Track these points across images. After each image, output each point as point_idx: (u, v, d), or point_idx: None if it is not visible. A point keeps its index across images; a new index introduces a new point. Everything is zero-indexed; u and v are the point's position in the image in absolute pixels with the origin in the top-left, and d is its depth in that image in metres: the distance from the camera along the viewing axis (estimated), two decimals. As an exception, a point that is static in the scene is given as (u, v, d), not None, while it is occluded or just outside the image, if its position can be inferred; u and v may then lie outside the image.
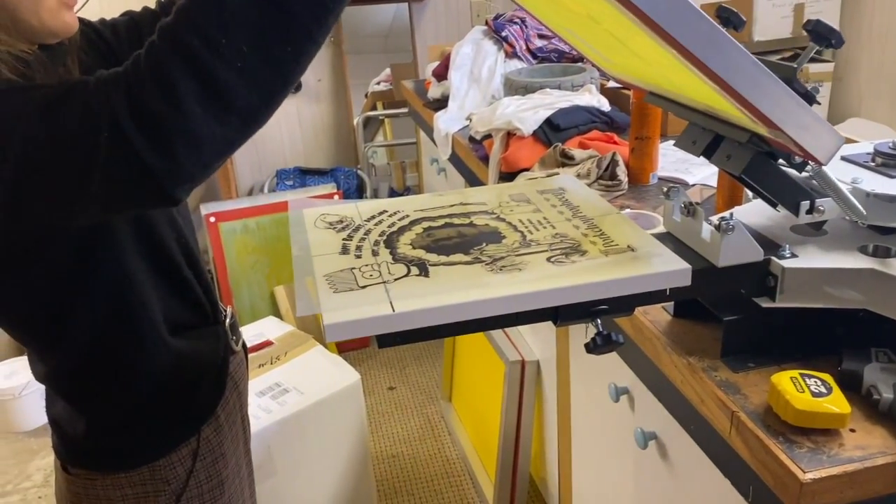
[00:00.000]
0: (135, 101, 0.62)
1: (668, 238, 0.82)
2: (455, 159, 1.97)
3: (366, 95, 3.26)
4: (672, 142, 1.02)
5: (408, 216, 0.87)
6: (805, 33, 0.73)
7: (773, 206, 0.84)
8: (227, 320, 1.01)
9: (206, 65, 0.61)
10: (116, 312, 0.84)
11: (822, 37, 0.72)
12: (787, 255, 0.79)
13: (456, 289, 0.69)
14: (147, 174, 0.64)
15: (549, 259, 0.74)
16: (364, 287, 0.71)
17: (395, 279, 0.72)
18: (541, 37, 2.10)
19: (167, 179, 0.65)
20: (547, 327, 1.60)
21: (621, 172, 1.38)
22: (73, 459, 0.90)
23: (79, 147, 0.64)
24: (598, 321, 0.73)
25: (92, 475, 0.88)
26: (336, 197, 2.89)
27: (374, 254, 0.78)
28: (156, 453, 0.88)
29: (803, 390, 0.72)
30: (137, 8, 0.99)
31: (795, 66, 0.74)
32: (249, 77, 0.62)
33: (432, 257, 0.76)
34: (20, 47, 0.74)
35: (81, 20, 0.88)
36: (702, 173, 1.45)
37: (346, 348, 2.66)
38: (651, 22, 0.61)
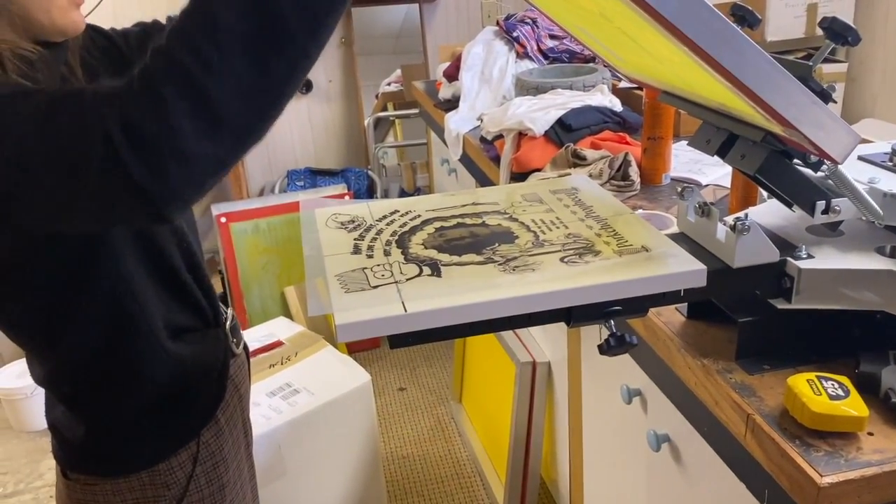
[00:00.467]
0: (127, 118, 0.60)
1: (682, 238, 0.82)
2: (466, 160, 1.97)
3: (376, 96, 3.26)
4: (685, 142, 1.01)
5: (420, 216, 0.87)
6: (819, 33, 0.72)
7: (789, 206, 0.83)
8: (228, 323, 1.00)
9: (198, 81, 0.59)
10: (114, 316, 0.83)
11: (838, 34, 0.71)
12: (804, 256, 0.78)
13: (468, 289, 0.69)
14: (138, 193, 0.62)
15: (562, 259, 0.74)
16: (376, 287, 0.71)
17: (407, 279, 0.72)
18: (552, 37, 2.09)
19: (158, 198, 0.63)
20: (558, 328, 1.59)
21: (633, 173, 1.38)
22: (73, 464, 0.89)
23: (69, 158, 0.62)
24: (612, 322, 0.73)
25: (91, 480, 0.87)
26: (347, 197, 2.89)
27: (386, 254, 0.78)
28: (155, 457, 0.88)
29: (820, 393, 0.71)
30: (148, 9, 1.00)
31: (811, 64, 0.73)
32: (242, 94, 0.61)
33: (444, 257, 0.76)
34: (24, 46, 0.74)
35: (92, 26, 0.89)
36: (714, 174, 1.44)
37: (356, 349, 2.66)
38: (663, 19, 0.61)
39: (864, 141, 0.96)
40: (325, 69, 3.25)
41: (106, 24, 0.97)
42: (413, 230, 0.83)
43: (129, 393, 0.87)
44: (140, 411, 0.88)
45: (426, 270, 0.73)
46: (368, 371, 1.82)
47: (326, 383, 1.76)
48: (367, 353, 2.70)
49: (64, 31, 0.79)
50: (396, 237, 0.82)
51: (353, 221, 0.86)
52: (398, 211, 0.88)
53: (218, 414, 0.93)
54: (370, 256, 0.77)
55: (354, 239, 0.82)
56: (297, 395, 1.72)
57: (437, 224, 0.84)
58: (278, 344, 1.93)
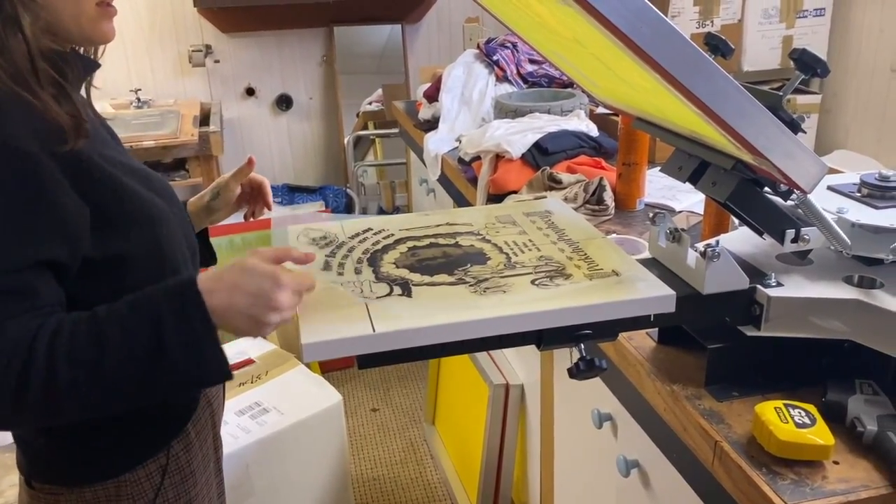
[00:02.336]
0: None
1: (653, 264, 0.82)
2: (444, 180, 1.97)
3: (357, 115, 3.26)
4: (659, 168, 1.02)
5: (393, 235, 0.86)
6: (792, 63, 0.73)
7: (759, 233, 0.84)
8: None
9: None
10: None
11: (808, 66, 0.72)
12: (773, 284, 0.78)
13: (438, 310, 0.68)
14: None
15: (533, 282, 0.74)
16: (345, 306, 0.70)
17: (377, 298, 0.71)
18: (532, 62, 2.11)
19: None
20: (532, 351, 1.59)
21: (608, 197, 1.38)
22: (37, 474, 0.87)
23: None
24: (582, 346, 0.72)
25: (56, 490, 0.85)
26: (323, 215, 2.87)
27: (357, 272, 0.77)
28: (121, 468, 0.86)
29: (787, 421, 0.71)
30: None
31: (781, 94, 0.74)
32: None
33: (416, 277, 0.75)
34: (61, 46, 0.79)
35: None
36: (689, 200, 1.45)
37: (329, 368, 2.64)
38: (635, 46, 0.61)
39: (835, 171, 0.98)
40: (305, 86, 3.25)
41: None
42: (385, 249, 0.83)
43: None
44: (107, 422, 0.86)
45: (396, 290, 0.73)
46: (341, 391, 1.80)
47: (297, 403, 1.73)
48: (341, 373, 2.67)
49: (92, 39, 0.81)
50: (368, 255, 0.81)
51: (325, 238, 0.86)
52: (371, 229, 0.88)
53: (188, 427, 0.92)
54: (340, 274, 0.77)
55: (325, 256, 0.81)
56: (266, 414, 1.69)
57: (410, 243, 0.84)
58: (249, 362, 1.90)
